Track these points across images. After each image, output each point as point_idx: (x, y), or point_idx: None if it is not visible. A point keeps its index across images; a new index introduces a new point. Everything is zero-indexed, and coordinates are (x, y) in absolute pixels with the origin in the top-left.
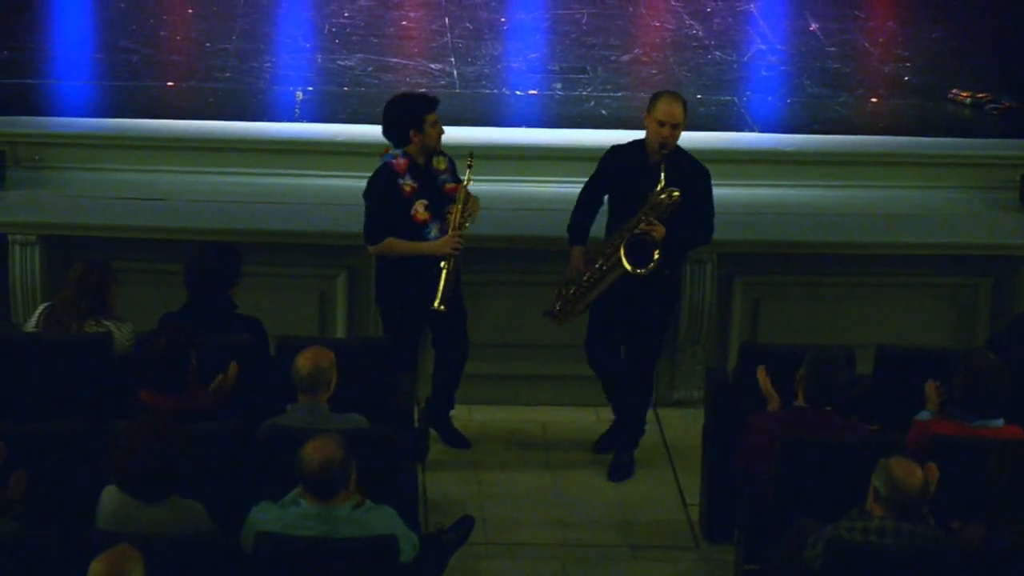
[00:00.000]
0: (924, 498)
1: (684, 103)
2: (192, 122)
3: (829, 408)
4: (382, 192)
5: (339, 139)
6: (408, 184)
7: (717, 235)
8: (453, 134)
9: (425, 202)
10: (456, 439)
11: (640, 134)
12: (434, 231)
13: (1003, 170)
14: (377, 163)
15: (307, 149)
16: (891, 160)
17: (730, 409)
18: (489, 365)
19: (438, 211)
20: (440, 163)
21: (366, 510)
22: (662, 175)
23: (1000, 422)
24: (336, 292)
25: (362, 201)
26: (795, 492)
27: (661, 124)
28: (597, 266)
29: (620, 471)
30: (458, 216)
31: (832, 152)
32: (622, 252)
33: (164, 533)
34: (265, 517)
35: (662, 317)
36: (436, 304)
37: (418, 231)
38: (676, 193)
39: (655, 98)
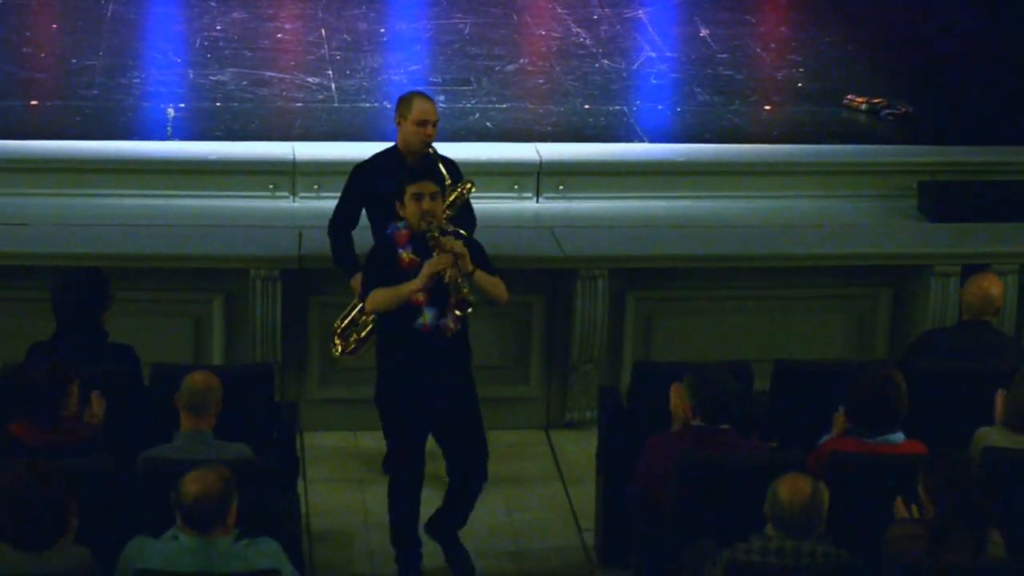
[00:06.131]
0: (814, 515)
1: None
2: (58, 142)
3: (726, 427)
4: (379, 263)
5: (213, 157)
6: (407, 255)
7: (608, 250)
8: (331, 151)
9: None
10: (462, 565)
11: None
12: (428, 317)
13: (900, 177)
14: None
15: (180, 168)
16: (786, 169)
17: (625, 430)
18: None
19: (437, 296)
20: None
21: (247, 544)
22: (445, 174)
23: (900, 437)
24: (212, 317)
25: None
26: (692, 514)
27: (423, 124)
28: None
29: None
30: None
31: (725, 162)
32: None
33: None
34: (142, 552)
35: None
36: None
37: (412, 314)
38: (470, 185)
39: (407, 101)
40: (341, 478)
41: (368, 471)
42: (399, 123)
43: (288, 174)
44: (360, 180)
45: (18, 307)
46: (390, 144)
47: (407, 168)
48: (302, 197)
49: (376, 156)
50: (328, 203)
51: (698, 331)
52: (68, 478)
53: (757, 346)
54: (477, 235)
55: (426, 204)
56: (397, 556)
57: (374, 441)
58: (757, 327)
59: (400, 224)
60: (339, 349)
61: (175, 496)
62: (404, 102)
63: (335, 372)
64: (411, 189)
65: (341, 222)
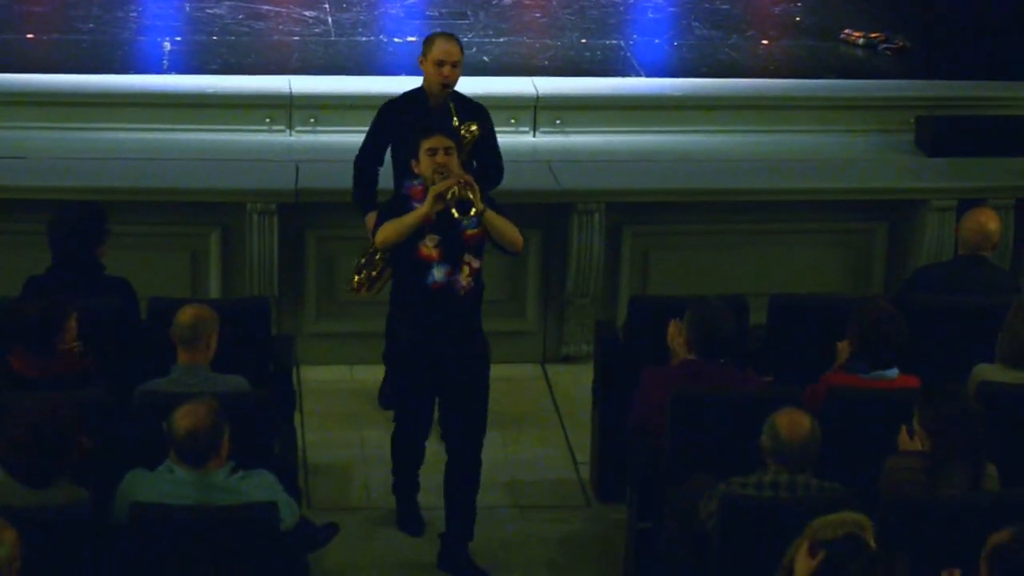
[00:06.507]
0: (812, 449)
1: (458, 41)
2: (55, 76)
3: (723, 361)
4: (393, 216)
5: (210, 91)
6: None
7: (604, 184)
8: (328, 84)
9: (437, 238)
10: None
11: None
12: (440, 274)
13: (898, 112)
14: None
15: (176, 102)
16: (783, 104)
17: (620, 364)
18: (372, 322)
19: (451, 254)
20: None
21: (242, 477)
22: (454, 115)
23: (895, 372)
24: (209, 251)
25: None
26: (688, 448)
27: (440, 64)
28: None
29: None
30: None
31: (722, 96)
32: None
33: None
34: (138, 485)
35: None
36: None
37: (421, 271)
38: (475, 127)
39: (429, 41)
40: (337, 412)
41: (364, 405)
42: (421, 63)
43: (285, 108)
44: (386, 117)
45: (14, 240)
46: (418, 83)
47: (419, 125)
48: (299, 131)
49: (404, 95)
50: (325, 137)
51: (694, 265)
52: (76, 416)
53: (753, 280)
54: None
55: (440, 158)
56: (394, 484)
57: (370, 374)
58: (753, 261)
59: (416, 181)
60: (355, 285)
61: (167, 430)
62: (427, 41)
63: (332, 306)
64: (425, 144)
65: (366, 158)
